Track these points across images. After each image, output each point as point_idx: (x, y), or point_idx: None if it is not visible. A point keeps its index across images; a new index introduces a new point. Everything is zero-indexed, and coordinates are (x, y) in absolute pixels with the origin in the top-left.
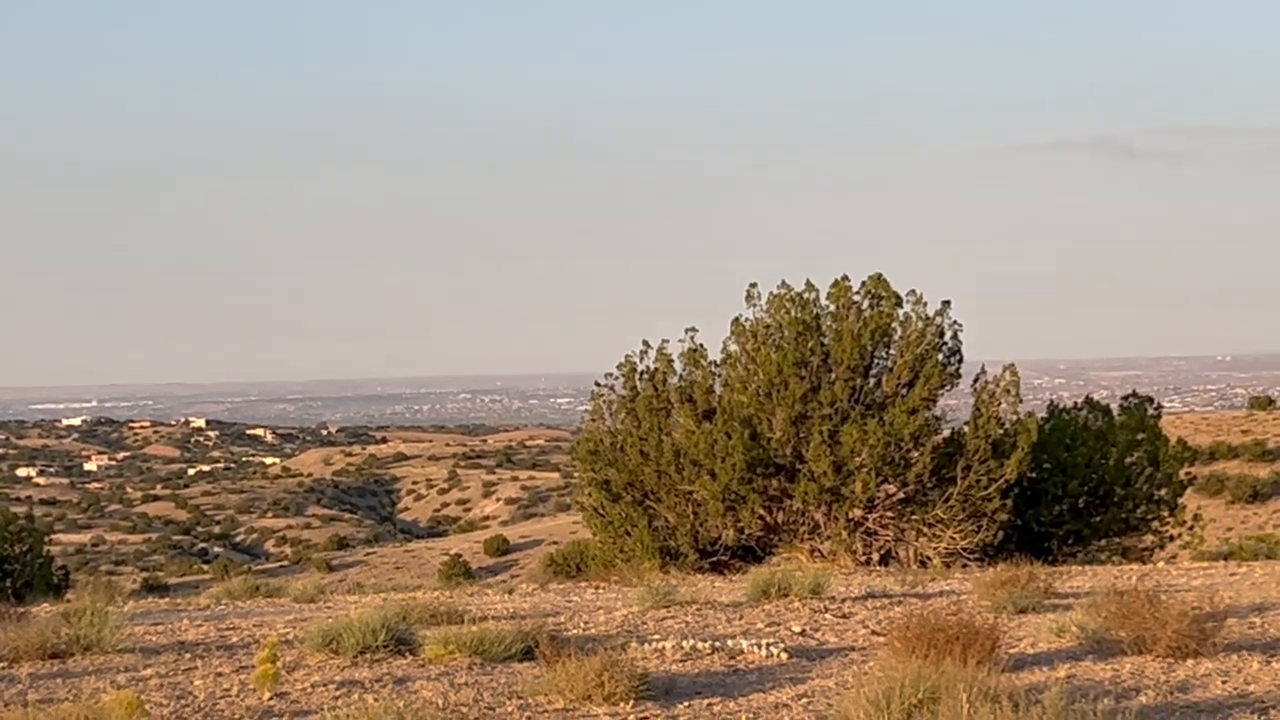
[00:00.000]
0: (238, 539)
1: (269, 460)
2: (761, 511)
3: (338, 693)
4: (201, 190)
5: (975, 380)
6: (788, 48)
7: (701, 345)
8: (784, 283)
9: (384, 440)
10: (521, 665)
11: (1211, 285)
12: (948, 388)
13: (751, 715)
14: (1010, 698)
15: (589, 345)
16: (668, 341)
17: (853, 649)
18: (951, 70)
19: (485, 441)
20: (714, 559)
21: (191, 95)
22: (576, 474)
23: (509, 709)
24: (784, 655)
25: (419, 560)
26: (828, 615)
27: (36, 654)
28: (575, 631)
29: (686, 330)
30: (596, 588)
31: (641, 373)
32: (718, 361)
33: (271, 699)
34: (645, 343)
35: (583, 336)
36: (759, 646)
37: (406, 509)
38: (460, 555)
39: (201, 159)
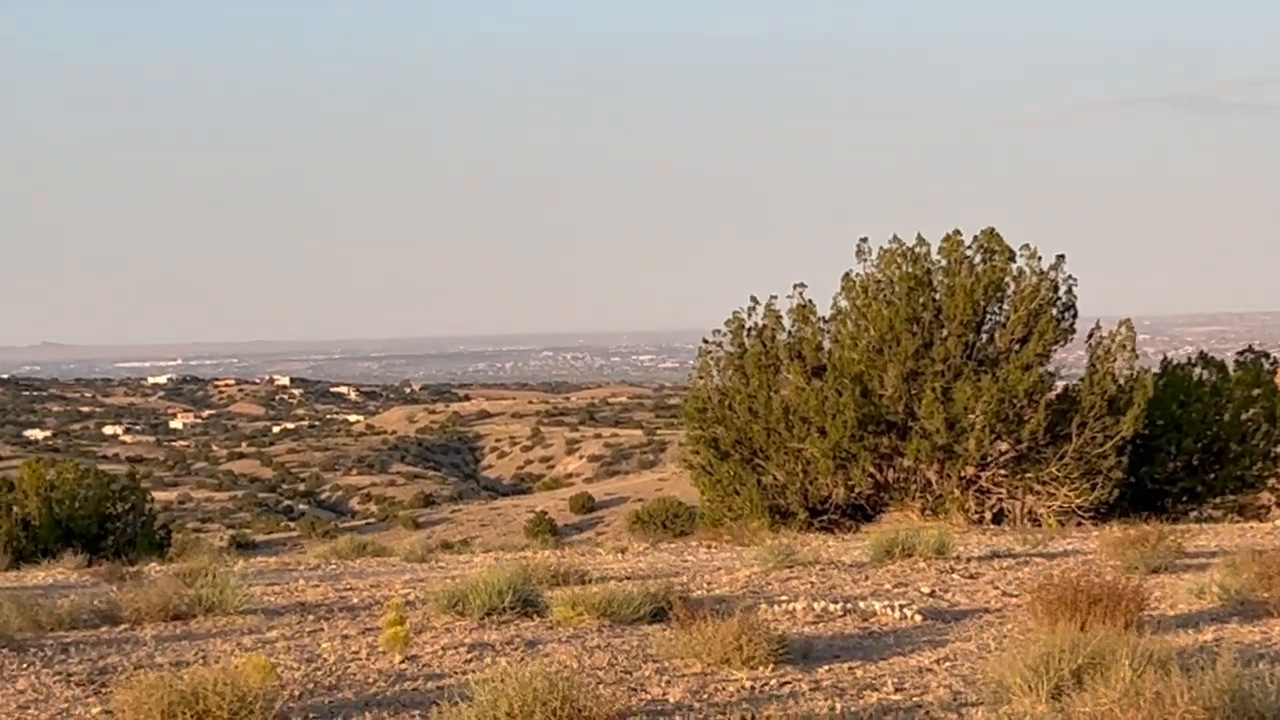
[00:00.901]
0: (322, 496)
1: (353, 418)
2: (872, 470)
3: (469, 656)
4: (287, 153)
5: (1090, 336)
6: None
7: (810, 301)
8: (895, 237)
9: (467, 398)
10: (651, 627)
11: None
12: (1061, 343)
13: (896, 680)
14: (1179, 662)
15: (670, 303)
16: (775, 297)
17: (986, 610)
18: (1027, 29)
19: (568, 399)
20: (824, 518)
21: (275, 64)
22: (683, 431)
23: (646, 673)
24: (918, 617)
25: (504, 518)
26: (955, 576)
27: (159, 615)
28: (699, 593)
29: (795, 286)
30: (708, 547)
31: (749, 329)
32: (825, 318)
33: (402, 662)
34: (753, 299)
35: (664, 294)
36: (891, 608)
37: (490, 466)
38: (545, 513)
39: (284, 123)
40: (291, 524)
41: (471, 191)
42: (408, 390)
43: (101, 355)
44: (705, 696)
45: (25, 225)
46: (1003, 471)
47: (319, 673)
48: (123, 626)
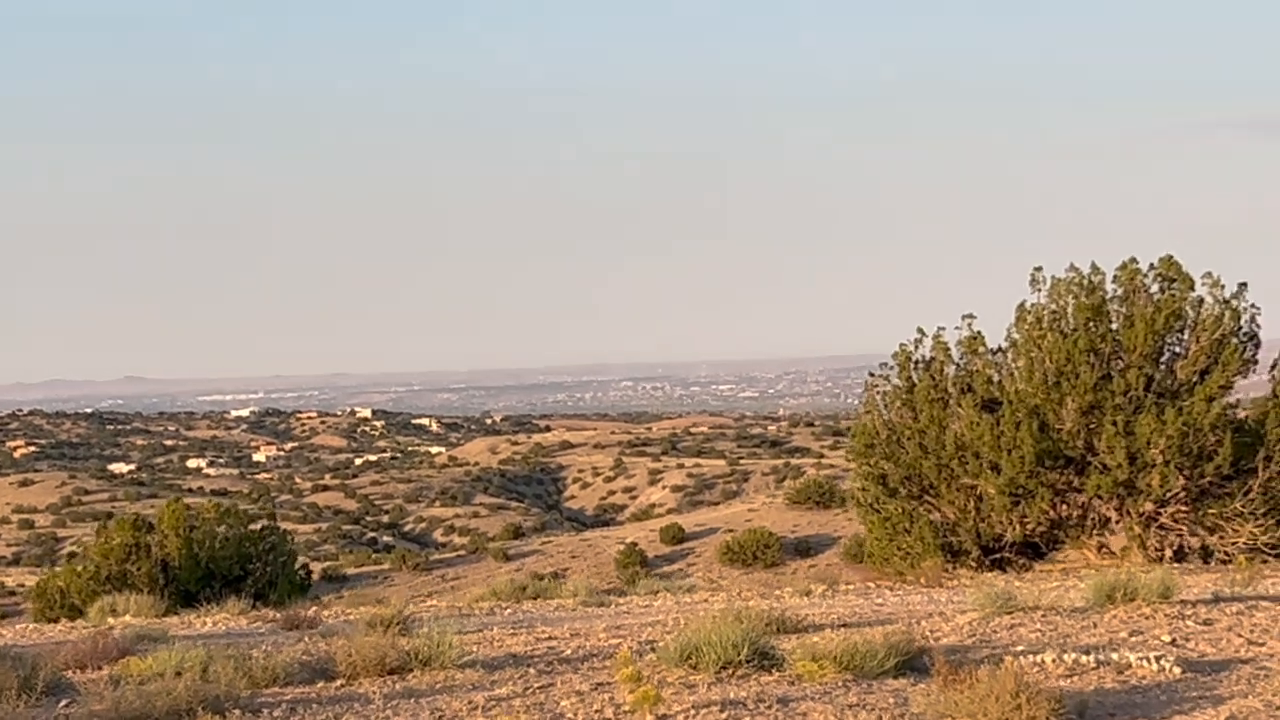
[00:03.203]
0: (406, 528)
1: (435, 449)
2: (1045, 507)
3: (723, 716)
4: (362, 188)
5: (1274, 366)
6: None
7: (980, 333)
8: (1072, 265)
9: (548, 429)
10: (899, 682)
11: None
12: (1244, 374)
13: None
14: None
15: (748, 332)
16: (943, 329)
17: (1240, 661)
18: (1110, 52)
19: (649, 429)
20: (997, 555)
21: (337, 89)
22: (851, 469)
23: None
24: (1176, 669)
25: (594, 549)
26: (1189, 622)
27: (375, 670)
28: (922, 642)
29: (964, 317)
30: (891, 588)
31: (917, 362)
32: (994, 350)
33: None
34: (920, 330)
35: (743, 324)
36: (1146, 660)
37: (573, 497)
38: (635, 544)
39: (352, 155)
40: (382, 556)
41: (549, 222)
42: (489, 421)
43: (184, 388)
44: None
45: (108, 259)
46: (1183, 508)
47: None
48: (339, 682)
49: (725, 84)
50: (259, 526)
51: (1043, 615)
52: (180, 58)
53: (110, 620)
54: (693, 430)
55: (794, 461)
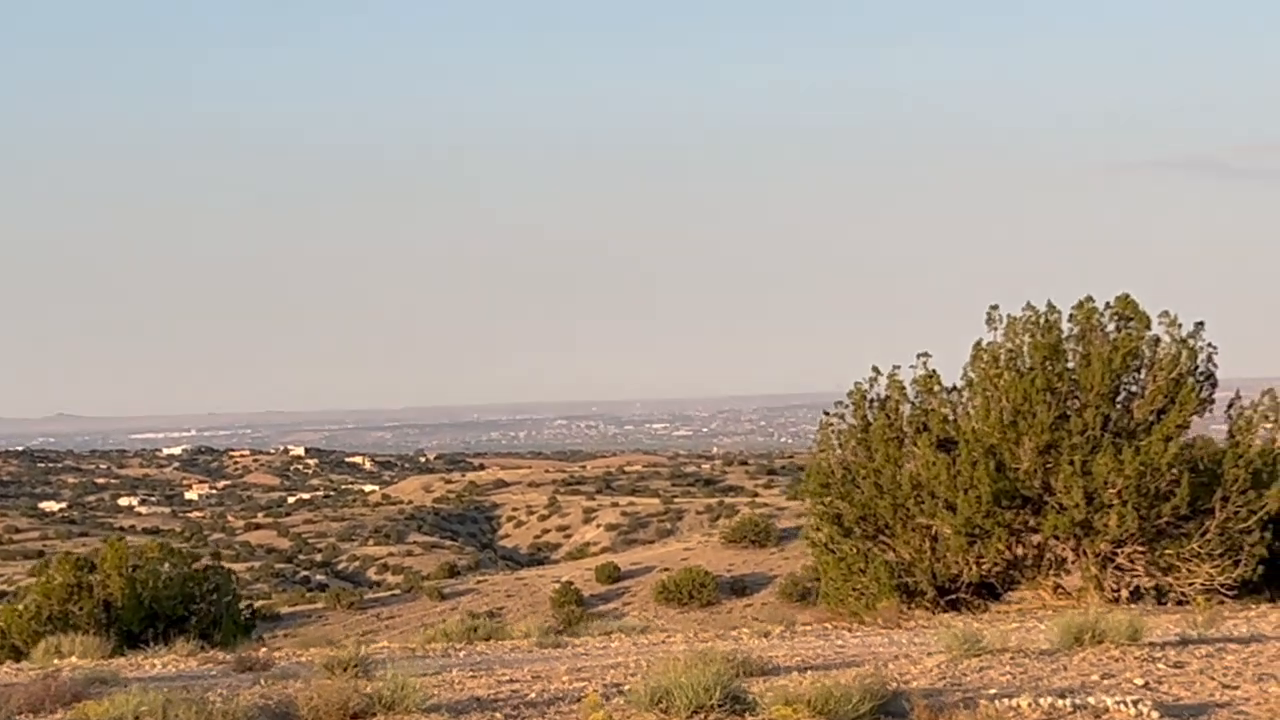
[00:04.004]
0: (339, 567)
1: (368, 488)
2: (1000, 547)
3: None
4: (298, 221)
5: (1229, 406)
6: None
7: (935, 372)
8: (1028, 304)
9: (482, 467)
10: None
11: None
12: (1200, 414)
13: None
14: None
15: (683, 371)
16: (898, 368)
17: (1217, 705)
18: (1046, 91)
19: (584, 467)
20: (952, 596)
21: (290, 130)
22: (806, 508)
23: None
24: (1154, 714)
25: (530, 588)
26: (1160, 665)
27: (337, 714)
28: (894, 685)
29: (919, 356)
30: (849, 629)
31: (872, 401)
32: (948, 389)
33: None
34: (875, 369)
35: (675, 363)
36: (1124, 704)
37: (507, 535)
38: (571, 582)
39: (298, 192)
40: (315, 595)
41: (481, 262)
42: (423, 460)
43: (116, 426)
44: None
45: (38, 297)
46: (1140, 548)
47: None
48: None
49: (643, 122)
50: (203, 566)
51: (1011, 657)
52: (93, 86)
53: (56, 661)
54: (627, 469)
55: (728, 500)
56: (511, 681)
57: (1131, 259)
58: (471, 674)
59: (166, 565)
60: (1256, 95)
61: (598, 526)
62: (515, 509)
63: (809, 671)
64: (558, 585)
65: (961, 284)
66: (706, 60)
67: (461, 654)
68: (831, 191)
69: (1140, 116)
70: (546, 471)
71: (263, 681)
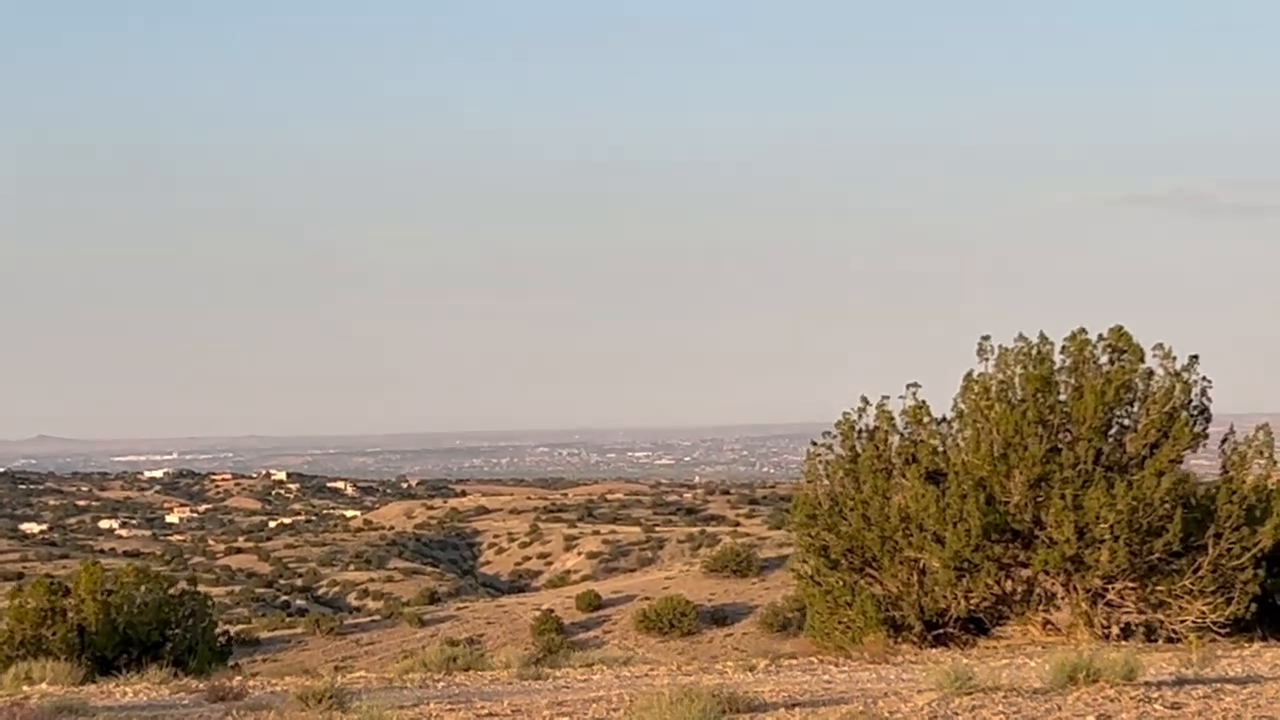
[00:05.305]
0: (320, 592)
1: (350, 513)
2: (989, 581)
3: None
4: (280, 242)
5: (1223, 441)
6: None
7: (924, 403)
8: (1020, 335)
9: (464, 494)
10: None
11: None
12: (1194, 449)
13: None
14: None
15: (666, 400)
16: (887, 398)
17: None
18: (1028, 124)
19: (565, 495)
20: (939, 631)
21: (274, 144)
22: (793, 539)
23: None
24: None
25: (510, 615)
26: (1156, 706)
27: None
28: None
29: (908, 386)
30: (836, 664)
31: (860, 431)
32: (938, 420)
33: None
34: (864, 399)
35: (660, 392)
36: None
37: (488, 562)
38: (552, 610)
39: (280, 217)
40: (296, 620)
41: (460, 287)
42: (404, 485)
43: (97, 448)
44: None
45: (21, 317)
46: (1131, 584)
47: None
48: None
49: (624, 154)
50: (179, 591)
51: (1004, 696)
52: (60, 102)
53: (26, 688)
54: (609, 497)
55: (710, 529)
56: (490, 715)
57: (1114, 293)
58: (449, 707)
59: (142, 589)
60: (1240, 130)
61: (579, 554)
62: (496, 536)
63: (796, 709)
64: (538, 613)
65: (945, 316)
66: (678, 87)
67: (440, 685)
68: (812, 221)
69: (1123, 151)
70: (528, 499)
71: (235, 713)
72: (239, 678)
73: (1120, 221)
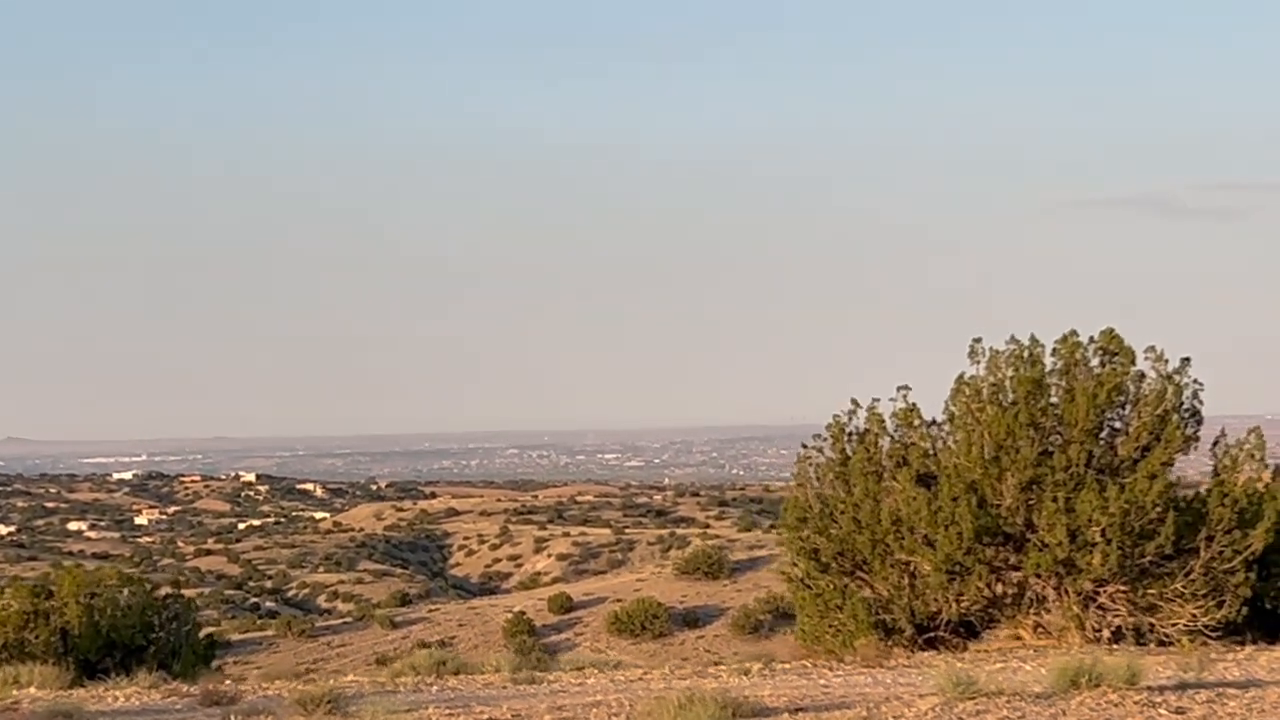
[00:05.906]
0: (289, 593)
1: (319, 515)
2: (981, 584)
3: None
4: (247, 250)
5: (1215, 443)
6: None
7: (915, 405)
8: (1012, 337)
9: (433, 495)
10: None
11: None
12: (1186, 452)
13: None
14: None
15: (636, 402)
16: (878, 400)
17: None
18: (998, 126)
19: (535, 497)
20: (930, 635)
21: (243, 155)
22: (783, 542)
23: None
24: None
25: (482, 618)
26: (1161, 710)
27: None
28: None
29: (898, 389)
30: (830, 668)
31: (850, 434)
32: (929, 423)
33: None
34: (854, 401)
35: (630, 394)
36: None
37: (458, 564)
38: (524, 612)
39: (251, 218)
40: (267, 622)
41: (432, 289)
42: (374, 487)
43: (66, 450)
44: None
45: None
46: (1122, 587)
47: None
48: None
49: (593, 155)
50: (162, 594)
51: (1008, 701)
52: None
53: (15, 692)
54: (579, 499)
55: (679, 531)
56: None
57: (1111, 295)
58: (448, 711)
59: (125, 593)
60: (1208, 133)
61: (549, 556)
62: (466, 538)
63: (800, 714)
64: (510, 615)
65: (915, 318)
66: (650, 92)
67: (434, 689)
68: (785, 224)
69: (1092, 154)
70: (498, 500)
71: (232, 717)
72: (229, 681)
73: (1118, 223)
